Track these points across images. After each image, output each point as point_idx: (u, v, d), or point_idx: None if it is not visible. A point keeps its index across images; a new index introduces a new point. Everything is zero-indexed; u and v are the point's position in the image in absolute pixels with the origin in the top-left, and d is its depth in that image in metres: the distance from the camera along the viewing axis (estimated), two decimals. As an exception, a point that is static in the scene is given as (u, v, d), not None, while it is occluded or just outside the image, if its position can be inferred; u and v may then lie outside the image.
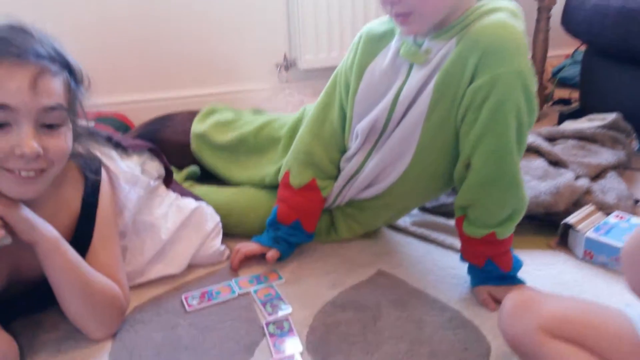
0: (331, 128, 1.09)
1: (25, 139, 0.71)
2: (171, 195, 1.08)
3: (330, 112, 1.09)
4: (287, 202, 1.09)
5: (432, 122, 0.94)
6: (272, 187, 1.18)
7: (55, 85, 0.75)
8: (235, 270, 1.07)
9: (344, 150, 1.10)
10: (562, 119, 1.92)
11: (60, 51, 0.77)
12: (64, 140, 0.77)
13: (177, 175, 1.38)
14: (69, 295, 0.83)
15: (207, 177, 1.39)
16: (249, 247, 1.09)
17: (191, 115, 1.64)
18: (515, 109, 0.86)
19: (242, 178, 1.28)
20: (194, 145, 1.38)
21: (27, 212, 0.77)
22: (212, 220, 1.11)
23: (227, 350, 0.86)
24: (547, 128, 1.63)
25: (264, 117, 1.35)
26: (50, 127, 0.75)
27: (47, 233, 0.79)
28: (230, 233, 1.16)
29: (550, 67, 2.60)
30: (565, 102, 2.19)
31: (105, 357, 0.84)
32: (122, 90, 1.90)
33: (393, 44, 0.98)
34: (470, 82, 0.87)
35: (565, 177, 1.22)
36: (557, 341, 0.70)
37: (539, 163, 1.30)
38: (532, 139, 1.37)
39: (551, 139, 1.56)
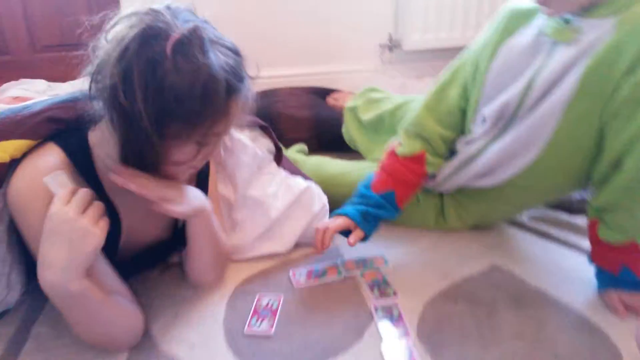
0: (448, 105, 1.03)
1: (219, 149, 0.83)
2: (281, 174, 1.09)
3: (450, 89, 1.04)
4: (387, 169, 1.03)
5: (574, 112, 0.84)
6: None
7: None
8: (323, 249, 0.96)
9: (458, 132, 1.04)
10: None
11: (237, 49, 0.74)
12: None
13: (288, 151, 1.40)
14: (206, 253, 0.90)
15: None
16: (337, 222, 0.98)
17: (295, 90, 1.67)
18: None
19: (377, 157, 1.24)
20: (346, 117, 1.42)
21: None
22: (319, 201, 1.10)
23: (336, 330, 0.85)
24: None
25: (406, 97, 1.33)
26: None
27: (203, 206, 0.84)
28: (339, 205, 1.15)
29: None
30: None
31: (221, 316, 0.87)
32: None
33: (536, 21, 0.90)
34: (628, 73, 0.78)
35: None
36: None
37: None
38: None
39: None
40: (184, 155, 0.72)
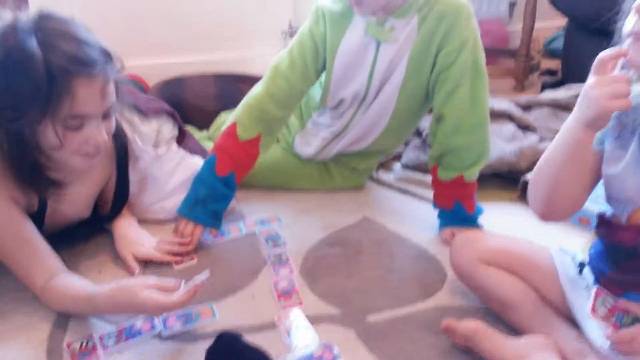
0: (290, 89, 1.17)
1: (97, 133, 0.88)
2: (180, 153, 1.24)
3: (292, 75, 1.16)
4: (228, 152, 1.15)
5: (406, 90, 1.14)
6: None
7: (112, 86, 0.90)
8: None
9: (294, 110, 1.25)
10: (544, 88, 2.08)
11: (104, 48, 0.88)
12: (113, 121, 0.96)
13: (197, 134, 1.57)
14: None
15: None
16: (198, 231, 1.13)
17: (203, 78, 1.83)
18: (476, 64, 1.08)
19: None
20: None
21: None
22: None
23: (236, 273, 1.07)
24: (526, 97, 1.80)
25: None
26: (105, 116, 0.92)
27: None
28: (250, 185, 1.35)
29: (542, 38, 2.73)
30: (552, 72, 2.33)
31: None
32: (135, 54, 2.07)
33: (358, 24, 1.13)
34: (438, 50, 1.07)
35: (529, 139, 1.40)
36: (491, 267, 0.91)
37: (509, 127, 1.48)
38: (505, 105, 1.55)
39: (528, 106, 1.73)
40: (51, 138, 0.85)
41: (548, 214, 0.81)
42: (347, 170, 1.37)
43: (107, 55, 0.89)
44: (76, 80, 0.82)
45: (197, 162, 1.24)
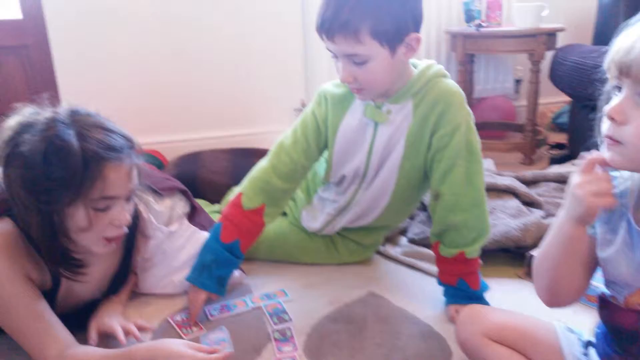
0: (293, 163, 1.23)
1: (122, 213, 0.97)
2: (191, 229, 1.27)
3: (293, 151, 1.23)
4: (233, 221, 1.21)
5: (405, 168, 1.18)
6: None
7: (136, 170, 0.99)
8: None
9: (298, 183, 1.29)
10: (552, 163, 2.12)
11: (127, 135, 0.97)
12: (133, 203, 1.03)
13: (210, 207, 1.62)
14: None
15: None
16: (201, 298, 1.17)
17: (217, 153, 1.92)
18: (469, 145, 1.12)
19: None
20: None
21: None
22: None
23: (239, 349, 1.07)
24: (532, 171, 1.82)
25: None
26: (128, 198, 1.00)
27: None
28: (257, 258, 1.40)
29: (550, 113, 2.80)
30: (561, 146, 2.37)
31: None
32: (155, 132, 2.18)
33: (358, 106, 1.20)
34: (432, 132, 1.12)
35: (534, 215, 1.41)
36: (496, 345, 0.89)
37: (514, 203, 1.49)
38: (509, 181, 1.57)
39: (534, 181, 1.75)
40: (80, 220, 0.92)
41: (554, 302, 0.82)
42: (353, 245, 1.39)
43: (130, 142, 0.98)
44: (107, 165, 0.91)
45: (206, 237, 1.27)
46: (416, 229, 1.49)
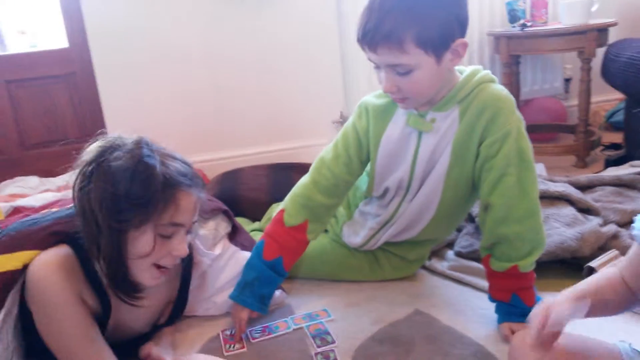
0: (335, 179, 1.20)
1: (183, 245, 0.97)
2: (232, 249, 1.26)
3: (335, 166, 1.20)
4: (275, 238, 1.19)
5: (452, 178, 1.12)
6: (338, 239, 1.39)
7: (199, 203, 1.00)
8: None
9: (342, 198, 1.26)
10: (608, 164, 1.99)
11: (193, 168, 1.00)
12: (191, 237, 1.04)
13: (251, 225, 1.61)
14: None
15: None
16: (244, 316, 1.17)
17: (257, 169, 1.91)
18: (522, 154, 1.05)
19: None
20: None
21: None
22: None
23: (282, 374, 1.04)
24: (588, 175, 1.71)
25: None
26: (189, 230, 1.00)
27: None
28: (298, 276, 1.37)
29: (603, 111, 2.65)
30: (617, 146, 2.22)
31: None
32: (196, 150, 2.21)
33: (400, 116, 1.15)
34: (481, 140, 1.06)
35: (591, 223, 1.32)
36: (556, 372, 0.82)
37: (568, 211, 1.40)
38: (562, 188, 1.48)
39: (590, 185, 1.65)
40: (144, 245, 0.93)
41: None
42: (397, 260, 1.34)
43: (197, 174, 1.00)
44: (181, 191, 0.94)
45: (247, 257, 1.26)
46: (463, 241, 1.42)
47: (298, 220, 1.20)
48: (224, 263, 1.23)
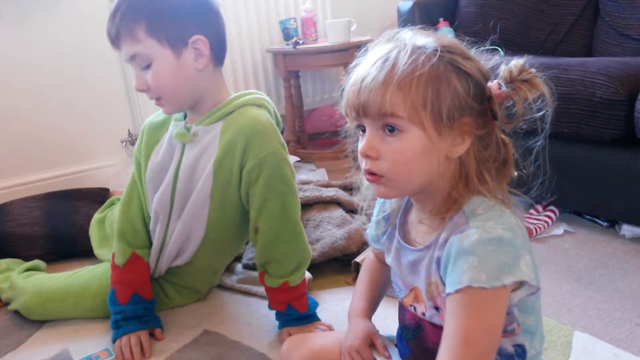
0: (138, 203, 1.24)
1: None
2: None
3: (135, 189, 1.25)
4: (118, 281, 1.21)
5: (216, 199, 1.15)
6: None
7: None
8: None
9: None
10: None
11: None
12: None
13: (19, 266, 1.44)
14: None
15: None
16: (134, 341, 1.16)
17: (27, 201, 1.70)
18: (283, 178, 1.11)
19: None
20: (91, 231, 1.58)
21: None
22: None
23: None
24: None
25: None
26: None
27: None
28: (66, 317, 1.28)
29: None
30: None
31: None
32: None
33: (170, 128, 1.18)
34: (242, 166, 1.10)
35: (356, 222, 1.49)
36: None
37: (339, 213, 1.56)
38: (333, 192, 1.64)
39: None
40: None
41: None
42: (184, 289, 1.33)
43: None
44: None
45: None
46: (250, 253, 1.48)
47: (126, 256, 1.21)
48: None
